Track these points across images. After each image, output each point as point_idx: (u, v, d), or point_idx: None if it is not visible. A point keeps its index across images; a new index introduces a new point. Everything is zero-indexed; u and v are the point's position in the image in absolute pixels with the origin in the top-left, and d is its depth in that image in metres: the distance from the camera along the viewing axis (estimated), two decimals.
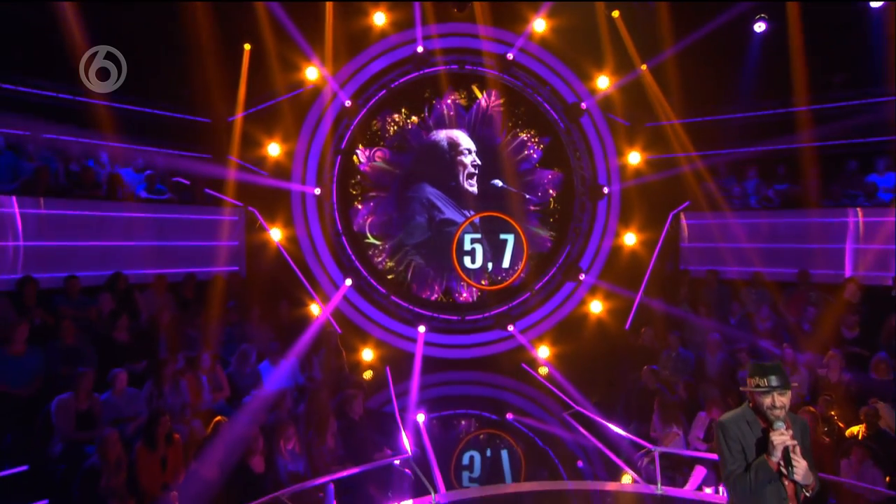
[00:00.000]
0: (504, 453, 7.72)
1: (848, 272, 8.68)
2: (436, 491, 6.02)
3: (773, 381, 3.17)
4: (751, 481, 3.14)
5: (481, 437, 8.43)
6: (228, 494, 5.63)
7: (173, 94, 9.76)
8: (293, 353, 7.88)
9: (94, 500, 5.49)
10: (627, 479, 6.44)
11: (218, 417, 6.30)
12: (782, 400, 3.16)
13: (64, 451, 6.03)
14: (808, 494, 3.25)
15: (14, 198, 7.49)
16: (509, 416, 8.68)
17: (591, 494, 6.13)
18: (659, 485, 6.14)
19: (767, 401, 3.17)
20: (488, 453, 7.81)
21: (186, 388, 6.86)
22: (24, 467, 5.88)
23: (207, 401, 6.96)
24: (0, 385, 6.24)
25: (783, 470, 3.11)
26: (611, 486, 6.37)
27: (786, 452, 3.09)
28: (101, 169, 8.91)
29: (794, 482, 3.16)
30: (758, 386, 3.19)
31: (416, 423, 7.60)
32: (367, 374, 9.54)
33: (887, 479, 5.94)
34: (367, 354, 9.87)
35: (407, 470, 6.49)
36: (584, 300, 10.47)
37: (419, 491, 6.10)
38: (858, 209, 8.76)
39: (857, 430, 6.48)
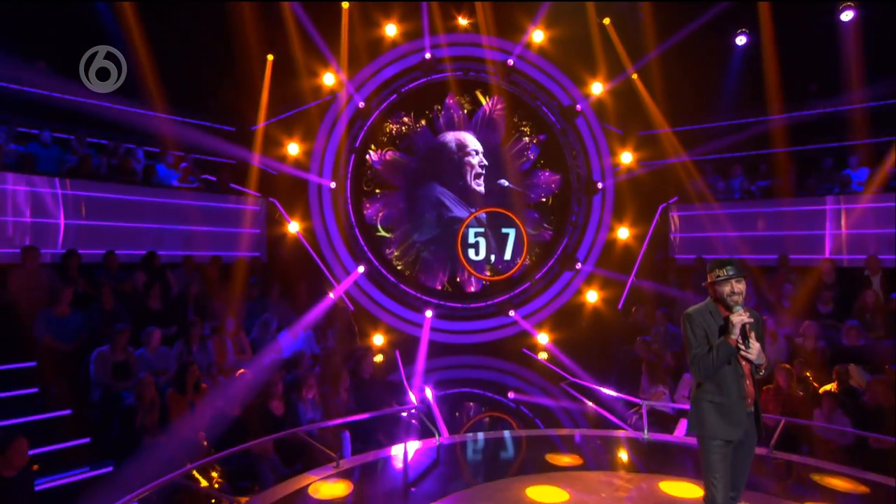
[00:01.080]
0: (503, 415, 8.13)
1: (827, 255, 9.11)
2: (439, 434, 6.46)
3: (731, 270, 3.61)
4: (713, 359, 3.56)
5: (482, 403, 8.81)
6: (250, 432, 6.07)
7: (203, 106, 10.52)
8: (309, 322, 8.37)
9: (132, 436, 5.96)
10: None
11: (241, 370, 6.81)
12: (739, 287, 3.59)
13: (102, 397, 6.53)
14: (761, 374, 3.70)
15: (56, 180, 8.10)
16: (511, 395, 9.06)
17: (583, 440, 6.52)
18: (646, 431, 6.55)
19: (727, 288, 3.61)
20: (487, 416, 8.22)
21: (213, 349, 7.38)
22: (67, 411, 6.40)
23: (231, 361, 7.43)
24: (48, 341, 6.77)
25: (741, 346, 3.53)
26: (601, 432, 6.77)
27: (743, 330, 3.53)
28: (137, 164, 9.56)
29: (750, 361, 3.60)
30: (718, 276, 3.63)
31: (422, 388, 8.04)
32: (378, 359, 9.96)
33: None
34: (378, 339, 10.32)
35: (413, 420, 6.94)
36: (580, 289, 10.94)
37: (425, 436, 6.54)
38: (840, 197, 9.23)
39: (829, 387, 6.88)
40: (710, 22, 9.93)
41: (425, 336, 10.39)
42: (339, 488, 5.31)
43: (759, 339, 3.63)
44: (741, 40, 10.88)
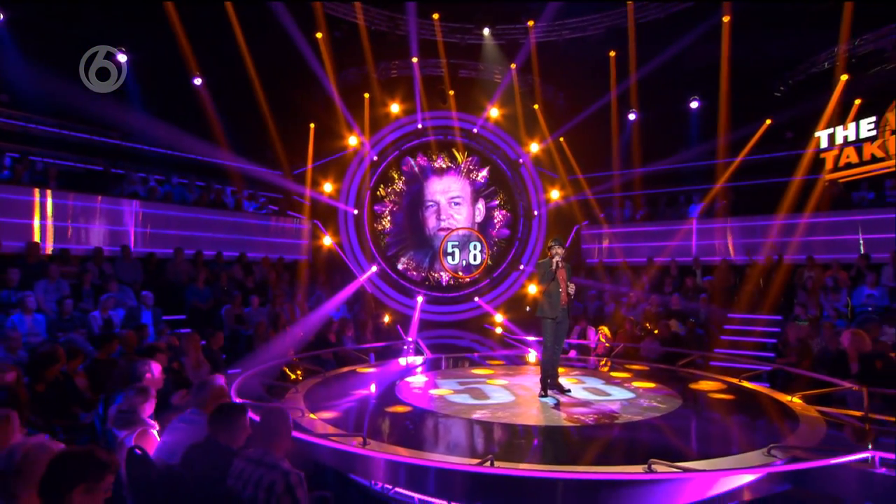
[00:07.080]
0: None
1: (670, 258, 13.25)
2: (424, 354, 10.45)
3: (555, 243, 7.60)
4: (544, 275, 7.52)
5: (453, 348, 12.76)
6: (314, 348, 10.00)
7: (263, 158, 14.61)
8: (344, 298, 12.40)
9: (249, 351, 9.89)
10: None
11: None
12: (560, 251, 7.54)
13: (229, 333, 10.44)
14: (571, 292, 7.69)
15: (176, 205, 12.15)
16: (475, 356, 12.99)
17: (513, 358, 10.54)
18: None
19: (553, 251, 7.61)
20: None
21: (287, 310, 11.36)
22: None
23: (299, 317, 11.41)
24: (194, 304, 10.71)
25: (557, 276, 7.52)
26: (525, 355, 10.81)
27: (557, 264, 7.52)
28: (227, 199, 13.63)
29: (566, 286, 7.59)
30: (550, 245, 7.65)
31: (415, 338, 12.02)
32: None
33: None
34: (385, 319, 14.26)
35: (411, 349, 10.92)
36: (524, 284, 15.03)
37: (416, 355, 10.52)
38: (682, 222, 13.51)
39: (657, 331, 10.99)
40: (610, 105, 14.27)
41: (417, 315, 14.38)
42: (370, 369, 9.30)
43: (568, 275, 7.65)
44: (632, 116, 15.24)
